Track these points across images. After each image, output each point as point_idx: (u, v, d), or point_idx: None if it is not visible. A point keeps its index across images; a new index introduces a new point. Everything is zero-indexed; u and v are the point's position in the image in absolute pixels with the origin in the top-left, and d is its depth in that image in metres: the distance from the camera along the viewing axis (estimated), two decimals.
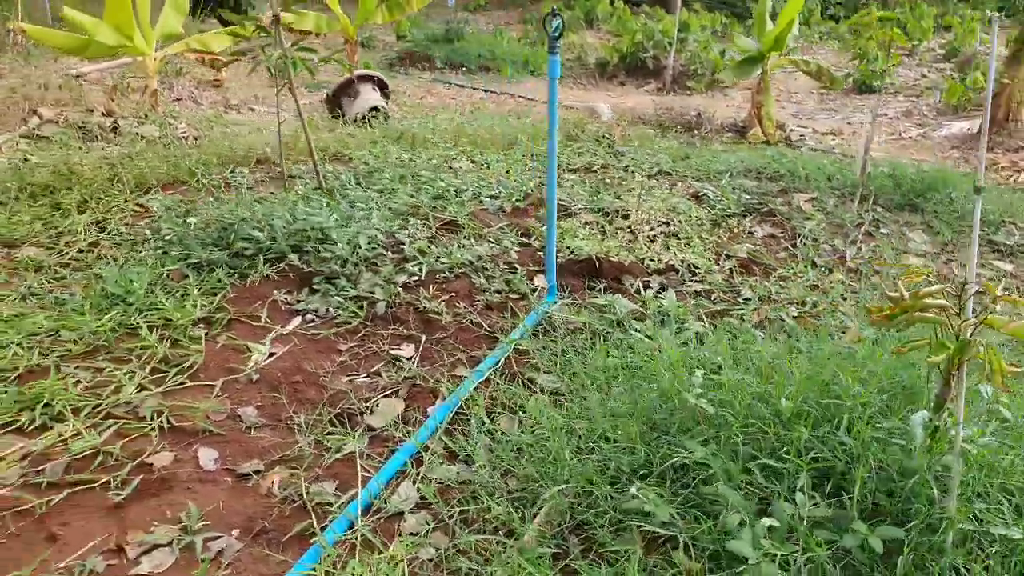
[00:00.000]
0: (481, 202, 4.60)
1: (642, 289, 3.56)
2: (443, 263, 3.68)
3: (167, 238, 3.96)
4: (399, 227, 4.07)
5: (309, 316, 3.39)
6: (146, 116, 6.71)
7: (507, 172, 5.22)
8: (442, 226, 4.23)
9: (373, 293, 3.45)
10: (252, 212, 3.97)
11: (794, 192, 4.96)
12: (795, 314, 3.35)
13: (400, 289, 3.50)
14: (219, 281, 3.57)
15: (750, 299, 3.47)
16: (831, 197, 4.84)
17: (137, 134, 6.42)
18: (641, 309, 3.29)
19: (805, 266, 3.83)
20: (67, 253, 4.01)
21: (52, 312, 3.34)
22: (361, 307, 3.40)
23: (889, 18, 4.51)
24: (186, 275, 3.65)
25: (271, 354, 3.12)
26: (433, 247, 3.87)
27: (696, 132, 8.86)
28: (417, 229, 4.08)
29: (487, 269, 3.71)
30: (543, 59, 14.41)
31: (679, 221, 4.30)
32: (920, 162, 6.74)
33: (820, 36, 18.29)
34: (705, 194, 4.81)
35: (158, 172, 5.14)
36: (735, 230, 4.29)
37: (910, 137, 9.33)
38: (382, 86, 8.29)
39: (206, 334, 3.22)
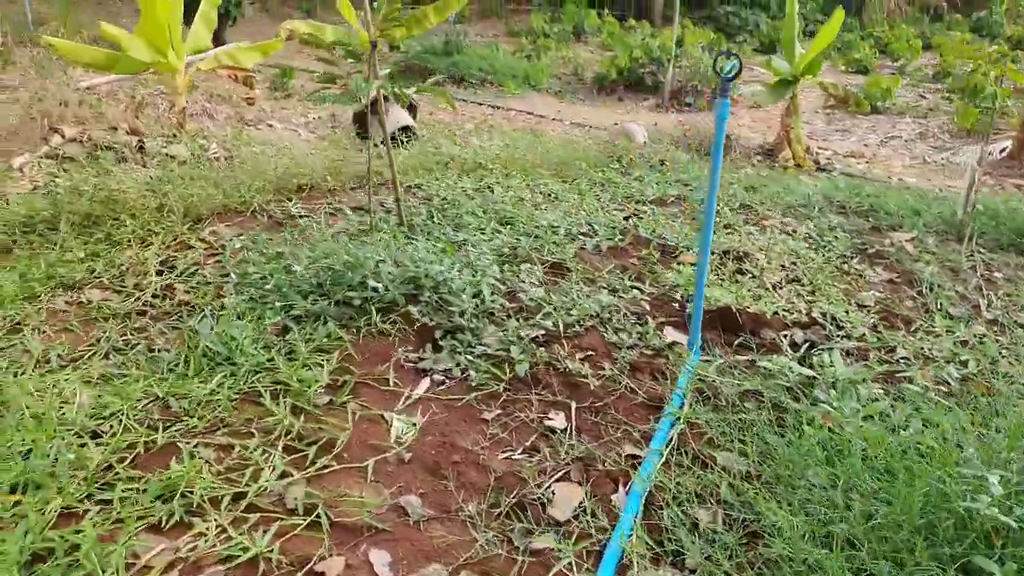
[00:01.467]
0: (575, 239, 4.32)
1: (789, 345, 3.32)
2: (572, 315, 3.39)
3: (256, 283, 3.60)
4: (509, 272, 3.77)
5: (438, 377, 3.07)
6: (174, 135, 6.27)
7: (588, 206, 4.95)
8: (548, 269, 3.94)
9: (508, 351, 3.14)
10: (352, 256, 3.63)
11: (888, 230, 4.78)
12: (957, 375, 3.14)
13: (533, 346, 3.20)
14: (329, 336, 3.23)
15: (907, 358, 3.25)
16: (929, 235, 4.67)
17: (167, 154, 5.99)
18: (809, 371, 3.04)
19: (943, 317, 3.63)
20: (139, 298, 3.62)
21: (148, 373, 2.97)
22: (496, 366, 3.09)
23: (1004, 53, 4.36)
24: (287, 328, 3.30)
25: (412, 424, 2.80)
26: (552, 295, 3.58)
27: (728, 154, 8.71)
28: (528, 274, 3.78)
29: (614, 320, 3.44)
30: (544, 73, 14.19)
31: (793, 263, 4.07)
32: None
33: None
34: (809, 234, 4.61)
35: (210, 200, 4.75)
36: (850, 274, 4.08)
37: (935, 161, 9.31)
38: (410, 105, 7.95)
39: (331, 401, 2.88)
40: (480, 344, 3.20)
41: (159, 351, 3.15)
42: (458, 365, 3.09)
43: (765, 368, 3.06)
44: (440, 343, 3.22)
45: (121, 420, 2.68)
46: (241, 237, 4.32)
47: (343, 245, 3.79)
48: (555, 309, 3.44)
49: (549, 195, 5.26)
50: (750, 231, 4.56)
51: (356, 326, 3.30)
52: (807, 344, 3.31)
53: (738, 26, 21.21)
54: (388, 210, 4.78)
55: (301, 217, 4.68)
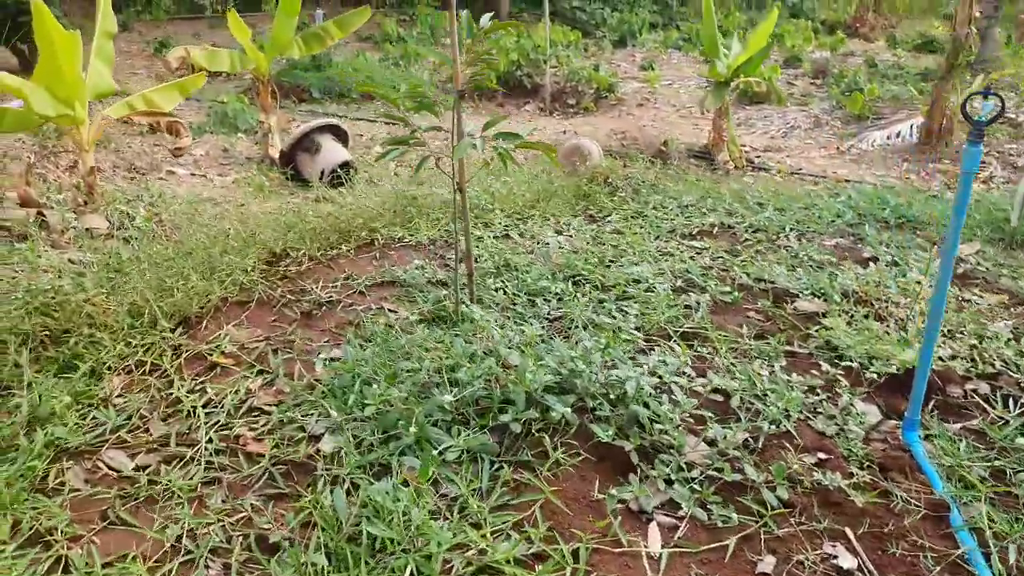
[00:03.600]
0: (678, 295, 3.77)
1: (983, 400, 2.98)
2: (770, 405, 2.85)
3: (367, 416, 2.75)
4: (637, 352, 3.16)
5: (665, 519, 2.42)
6: (84, 203, 5.02)
7: (637, 245, 4.40)
8: (679, 341, 3.36)
9: (735, 469, 2.55)
10: (486, 366, 2.87)
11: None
12: None
13: (746, 455, 2.63)
14: (507, 483, 2.48)
15: None
16: (987, 246, 4.56)
17: (84, 229, 4.77)
18: None
19: None
20: (193, 458, 2.66)
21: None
22: (727, 491, 2.49)
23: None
24: (435, 479, 2.51)
25: None
26: (714, 379, 3.01)
27: (666, 160, 8.47)
28: (670, 354, 3.18)
29: (816, 405, 2.94)
30: (422, 83, 13.40)
31: (900, 301, 3.77)
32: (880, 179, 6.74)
33: (674, 45, 18.80)
34: (876, 257, 4.33)
35: (193, 290, 3.73)
36: (958, 300, 3.83)
37: (847, 149, 9.60)
38: (338, 133, 7.01)
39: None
40: (685, 461, 2.59)
41: (279, 543, 2.27)
42: (682, 500, 2.46)
43: (1004, 438, 2.68)
44: (640, 467, 2.57)
45: None
46: (281, 343, 3.39)
47: (456, 347, 3.00)
48: (744, 401, 2.88)
49: (592, 237, 4.66)
50: (840, 265, 4.21)
51: (526, 461, 2.58)
52: (1007, 398, 2.99)
53: (586, 21, 21.36)
54: (436, 281, 4.00)
55: (335, 304, 3.78)
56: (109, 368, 3.17)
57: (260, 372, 3.18)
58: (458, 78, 3.14)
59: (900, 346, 3.17)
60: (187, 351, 3.35)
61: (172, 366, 3.22)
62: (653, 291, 3.76)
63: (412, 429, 2.58)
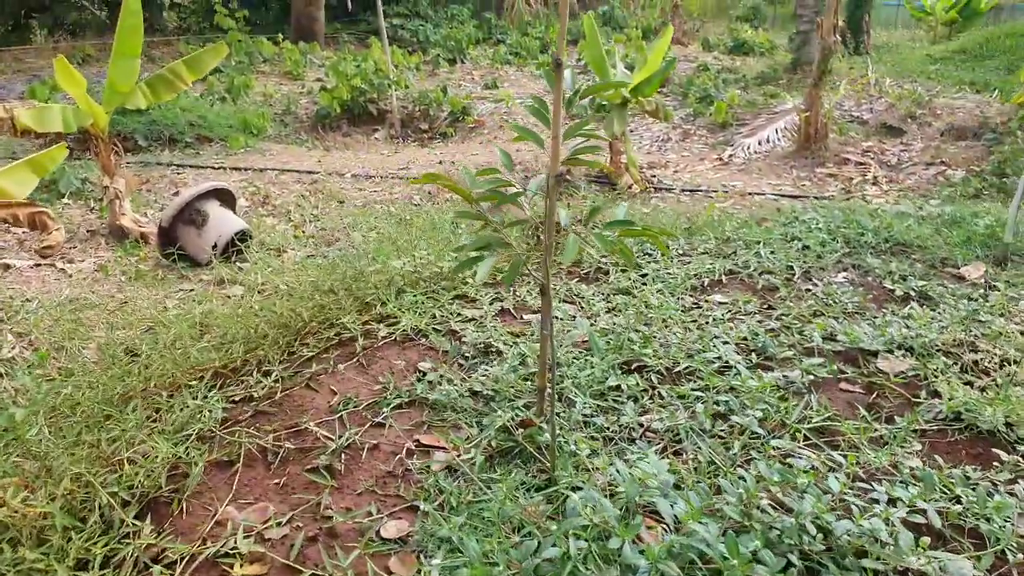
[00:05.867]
0: (761, 370, 3.24)
1: None
2: (1000, 526, 2.37)
3: None
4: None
5: None
6: None
7: (662, 313, 3.84)
8: (805, 443, 2.83)
9: None
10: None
11: (942, 266, 4.49)
12: None
13: None
14: None
15: None
16: (985, 264, 4.46)
17: None
18: None
19: None
20: None
21: None
22: None
23: None
24: None
25: None
26: (899, 492, 2.50)
27: (566, 187, 8.03)
28: (814, 463, 2.63)
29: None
30: (263, 118, 12.11)
31: (973, 342, 3.50)
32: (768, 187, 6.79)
33: (503, 60, 18.53)
34: (907, 294, 4.07)
35: (151, 459, 2.70)
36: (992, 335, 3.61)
37: (726, 160, 9.67)
38: (223, 197, 5.88)
39: None
40: None
41: None
42: None
43: None
44: None
45: None
46: (311, 521, 2.46)
47: (578, 510, 2.26)
48: (946, 517, 2.39)
49: (605, 305, 4.03)
50: (883, 307, 3.87)
51: None
52: None
53: (409, 39, 20.68)
54: (474, 394, 3.19)
55: (356, 447, 2.87)
56: None
57: None
58: (556, 157, 2.38)
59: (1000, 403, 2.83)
60: (179, 556, 2.34)
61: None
62: (734, 372, 3.20)
63: None
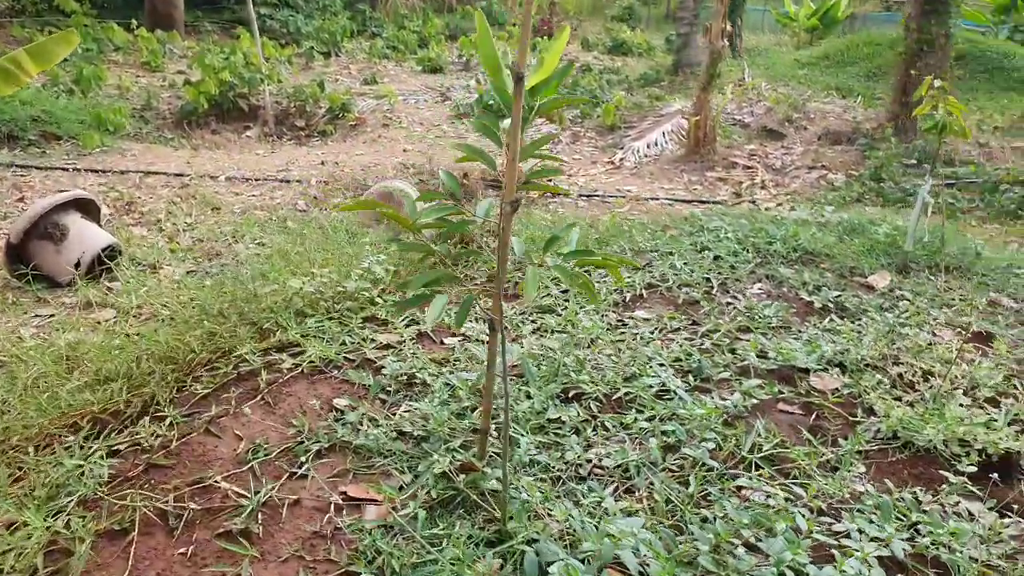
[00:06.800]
0: (679, 399, 3.12)
1: None
2: (961, 557, 2.33)
3: None
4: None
5: None
6: None
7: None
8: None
9: None
10: None
11: (852, 274, 4.58)
12: None
13: None
14: None
15: None
16: (889, 273, 4.58)
17: None
18: None
19: None
20: None
21: None
22: None
23: None
24: None
25: None
26: (863, 525, 2.43)
27: (472, 197, 7.78)
28: (773, 497, 2.53)
29: None
30: (120, 113, 11.11)
31: (898, 349, 3.55)
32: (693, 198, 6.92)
33: (381, 54, 18.00)
34: (825, 306, 4.10)
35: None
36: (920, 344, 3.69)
37: (617, 164, 9.71)
38: (86, 209, 5.23)
39: None
40: None
41: None
42: None
43: None
44: None
45: None
46: None
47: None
48: (914, 547, 2.34)
49: (528, 325, 3.82)
50: (805, 321, 3.87)
51: None
52: None
53: (278, 29, 19.71)
54: (403, 435, 2.88)
55: (274, 507, 2.51)
56: None
57: None
58: (512, 181, 2.14)
59: (983, 426, 2.86)
60: None
61: None
62: (673, 396, 3.07)
63: None
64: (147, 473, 2.71)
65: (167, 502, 2.53)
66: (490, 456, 2.67)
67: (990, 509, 2.55)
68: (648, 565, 2.12)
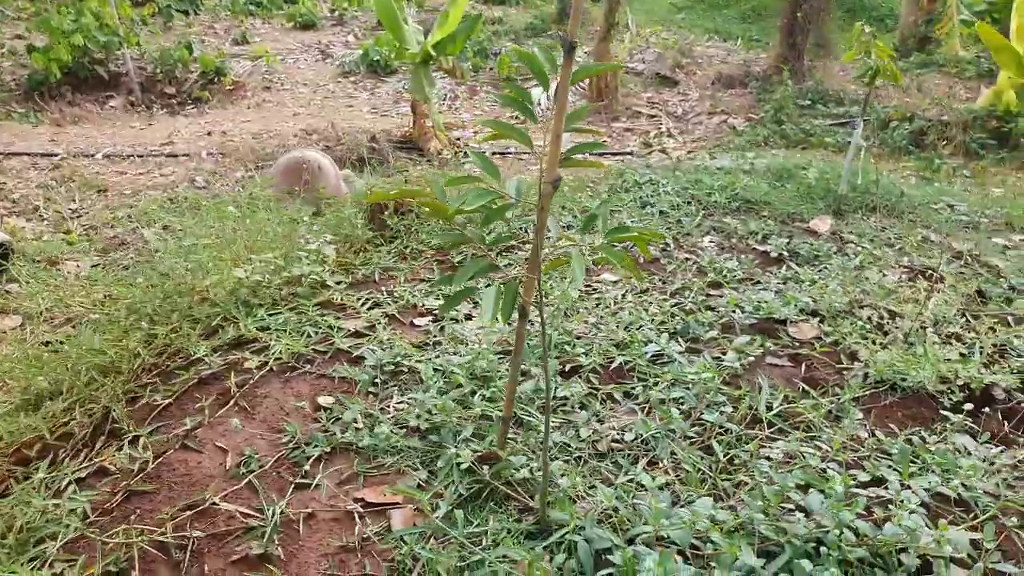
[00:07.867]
0: (677, 362, 3.10)
1: None
2: (981, 492, 2.42)
3: None
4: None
5: None
6: None
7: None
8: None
9: None
10: None
11: (793, 220, 4.70)
12: None
13: None
14: None
15: None
16: (828, 217, 4.73)
17: None
18: None
19: None
20: None
21: None
22: None
23: None
24: None
25: None
26: (888, 475, 2.49)
27: (383, 162, 7.44)
28: (805, 455, 2.55)
29: None
30: None
31: (863, 292, 3.67)
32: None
33: (244, 10, 16.82)
34: (781, 255, 4.17)
35: None
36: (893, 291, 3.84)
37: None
38: None
39: None
40: None
41: None
42: None
43: None
44: None
45: None
46: None
47: None
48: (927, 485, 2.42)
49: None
50: (767, 271, 3.92)
51: None
52: None
53: None
54: (414, 429, 2.69)
55: (291, 527, 2.30)
56: None
57: None
58: (555, 160, 1.97)
59: (964, 363, 3.00)
60: None
61: None
62: (669, 360, 3.05)
63: None
64: (129, 502, 2.43)
65: (164, 533, 2.26)
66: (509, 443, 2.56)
67: (983, 443, 2.68)
68: (708, 541, 2.09)
